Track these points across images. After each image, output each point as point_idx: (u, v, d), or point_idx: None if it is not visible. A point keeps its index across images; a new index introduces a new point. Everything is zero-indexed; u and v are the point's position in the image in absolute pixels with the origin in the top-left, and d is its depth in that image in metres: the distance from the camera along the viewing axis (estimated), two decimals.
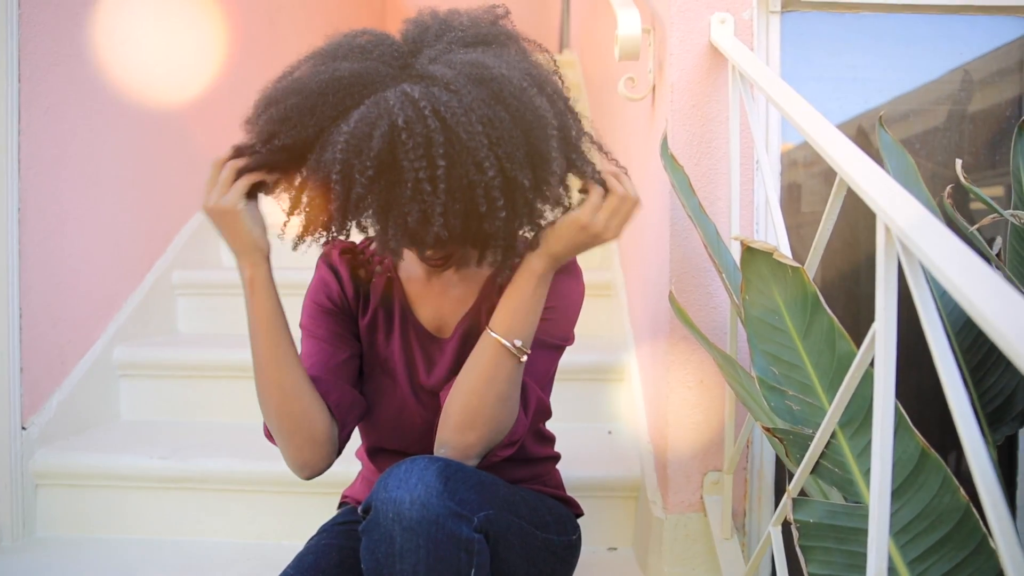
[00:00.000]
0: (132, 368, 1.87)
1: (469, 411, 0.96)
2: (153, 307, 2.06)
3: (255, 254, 0.95)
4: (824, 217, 0.92)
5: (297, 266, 1.42)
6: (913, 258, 0.69)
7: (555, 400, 1.21)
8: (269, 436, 1.04)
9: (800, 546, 0.89)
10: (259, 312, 0.96)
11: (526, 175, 0.85)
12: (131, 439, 1.71)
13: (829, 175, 1.46)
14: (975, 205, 1.50)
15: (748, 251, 0.92)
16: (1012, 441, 1.44)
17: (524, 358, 0.97)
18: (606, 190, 0.93)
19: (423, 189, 0.81)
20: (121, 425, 1.83)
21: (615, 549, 1.52)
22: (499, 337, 0.95)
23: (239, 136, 0.96)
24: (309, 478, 1.02)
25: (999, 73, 1.43)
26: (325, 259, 1.11)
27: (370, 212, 0.85)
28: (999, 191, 1.52)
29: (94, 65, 1.83)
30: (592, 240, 0.95)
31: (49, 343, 1.69)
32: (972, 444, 0.61)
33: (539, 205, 0.91)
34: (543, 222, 0.94)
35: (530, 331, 0.97)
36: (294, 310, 1.06)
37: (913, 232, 0.67)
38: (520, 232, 0.93)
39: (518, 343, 0.96)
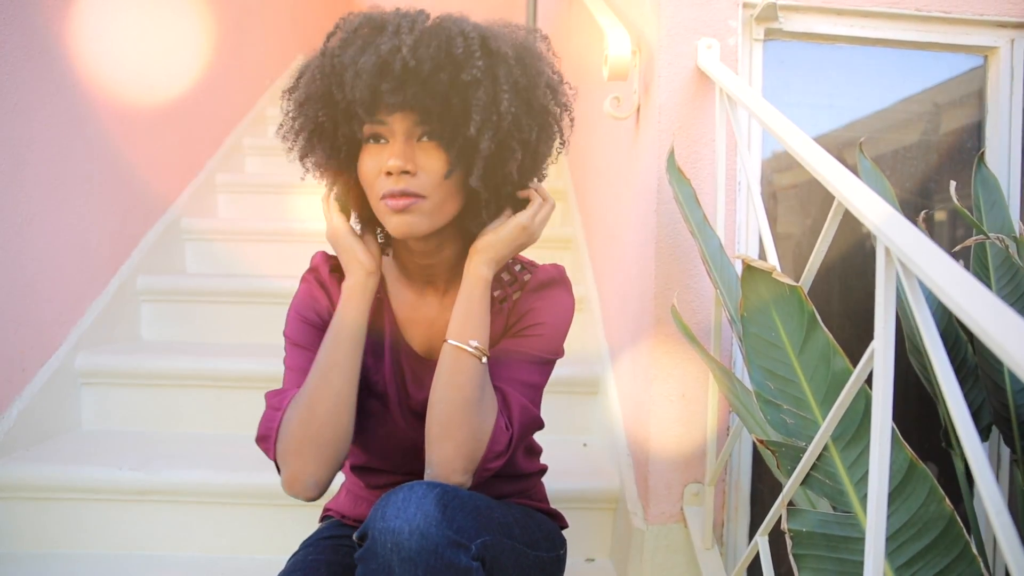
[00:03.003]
0: (95, 376, 1.81)
1: (441, 420, 0.96)
2: (117, 313, 2.00)
3: (356, 267, 1.01)
4: (820, 238, 0.96)
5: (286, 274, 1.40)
6: (913, 278, 0.73)
7: None
8: (264, 444, 1.00)
9: (793, 554, 0.92)
10: (346, 318, 0.99)
11: (528, 130, 0.97)
12: (94, 449, 1.65)
13: (800, 194, 1.52)
14: (934, 231, 1.58)
15: (748, 269, 0.95)
16: None
17: (484, 359, 0.98)
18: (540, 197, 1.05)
19: (401, 29, 0.91)
20: (83, 435, 1.77)
21: (593, 560, 1.54)
22: (453, 341, 0.98)
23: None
24: (311, 498, 0.97)
25: (960, 103, 1.51)
26: (314, 275, 1.09)
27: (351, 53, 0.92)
28: (943, 216, 1.61)
29: (64, 63, 1.79)
30: (527, 241, 1.04)
31: (9, 349, 1.63)
32: (975, 454, 0.65)
33: (514, 175, 0.99)
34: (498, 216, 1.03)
35: (482, 333, 0.99)
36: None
37: (914, 254, 0.71)
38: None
39: (473, 343, 0.97)
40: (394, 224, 0.95)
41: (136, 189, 2.14)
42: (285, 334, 1.08)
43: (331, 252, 1.12)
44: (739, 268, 1.23)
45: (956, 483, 1.33)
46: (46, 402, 1.71)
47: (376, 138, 0.96)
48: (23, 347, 1.67)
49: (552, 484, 1.49)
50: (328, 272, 1.09)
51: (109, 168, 2.00)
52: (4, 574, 1.43)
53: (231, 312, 2.12)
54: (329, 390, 0.97)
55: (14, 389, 1.65)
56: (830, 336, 0.93)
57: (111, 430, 1.82)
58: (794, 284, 0.94)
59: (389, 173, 0.92)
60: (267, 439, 1.00)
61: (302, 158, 1.03)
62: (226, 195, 2.64)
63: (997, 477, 1.50)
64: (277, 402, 1.01)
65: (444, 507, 0.86)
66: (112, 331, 1.97)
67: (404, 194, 0.93)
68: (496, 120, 0.93)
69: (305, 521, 1.48)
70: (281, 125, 1.03)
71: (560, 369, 1.80)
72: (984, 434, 1.33)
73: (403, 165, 0.92)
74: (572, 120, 1.05)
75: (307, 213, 2.51)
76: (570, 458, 1.69)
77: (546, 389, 1.75)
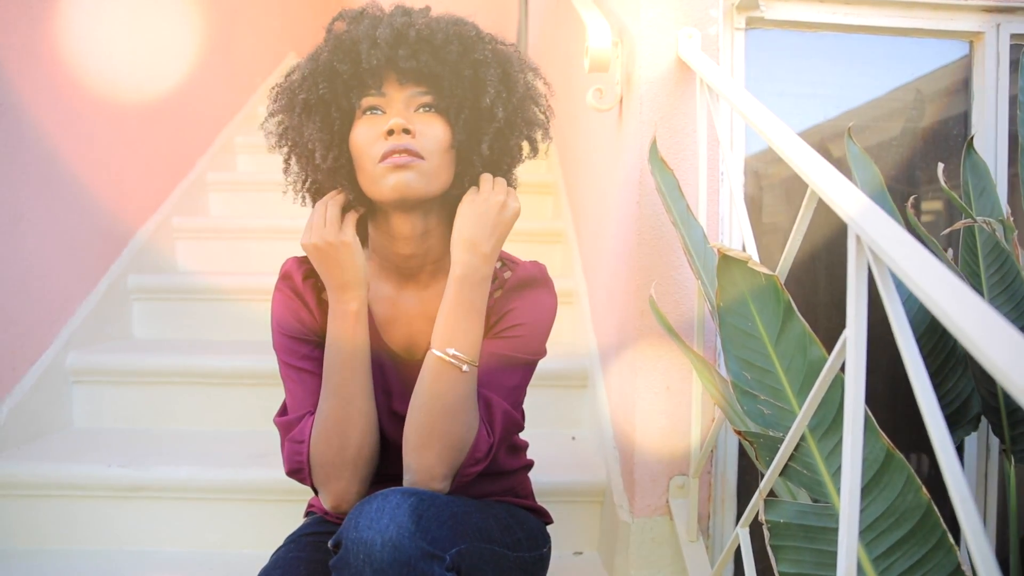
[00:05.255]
0: (86, 374, 1.82)
1: (421, 429, 0.96)
2: (108, 312, 2.00)
3: (361, 287, 0.99)
4: (795, 227, 0.95)
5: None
6: (884, 267, 0.72)
7: None
8: (298, 476, 1.01)
9: (771, 545, 0.91)
10: (360, 344, 0.98)
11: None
12: (86, 447, 1.66)
13: (788, 186, 1.51)
14: (925, 218, 1.57)
15: (724, 259, 0.94)
16: (959, 446, 1.50)
17: (466, 367, 0.97)
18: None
19: (410, 11, 0.99)
20: (74, 433, 1.77)
21: (580, 553, 1.54)
22: (435, 350, 0.97)
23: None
24: (346, 511, 0.98)
25: (946, 92, 1.50)
26: (287, 283, 1.07)
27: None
28: (939, 205, 1.60)
29: (51, 62, 1.79)
30: (498, 209, 1.00)
31: (0, 348, 1.63)
32: (942, 444, 0.64)
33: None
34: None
35: (464, 339, 0.97)
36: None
37: (884, 243, 0.71)
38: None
39: (451, 351, 0.96)
40: (392, 183, 0.96)
41: (126, 188, 2.15)
42: (276, 352, 1.06)
43: (302, 255, 1.10)
44: None
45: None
46: (37, 400, 1.71)
47: (373, 110, 0.99)
48: (13, 346, 1.68)
49: (540, 478, 1.49)
50: (302, 279, 1.07)
51: (99, 167, 2.00)
52: None
53: (224, 309, 2.12)
54: (358, 415, 0.98)
55: (4, 388, 1.65)
56: (806, 325, 0.93)
57: (103, 428, 1.82)
58: (770, 273, 0.94)
59: (391, 132, 0.95)
60: (300, 472, 1.00)
61: (285, 136, 1.05)
62: (217, 193, 2.64)
63: (987, 468, 1.49)
64: (298, 434, 1.00)
65: (418, 518, 0.85)
66: (103, 330, 1.98)
67: (406, 151, 0.96)
68: (507, 96, 1.01)
69: (293, 515, 1.48)
70: (272, 106, 1.05)
71: (550, 363, 1.81)
72: (973, 424, 1.32)
73: (405, 124, 0.96)
74: (548, 133, 1.12)
75: (299, 210, 2.51)
76: (559, 452, 1.68)
77: (535, 382, 1.75)
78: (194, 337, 2.12)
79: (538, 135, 1.09)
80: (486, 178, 1.03)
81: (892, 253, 0.69)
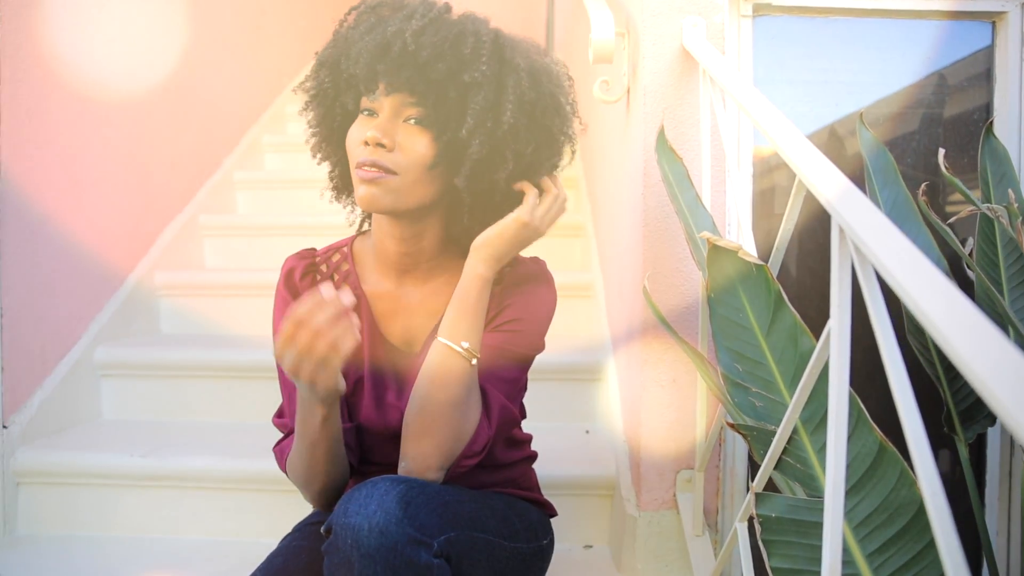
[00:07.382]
0: (114, 368, 1.88)
1: (423, 417, 0.97)
2: (135, 308, 2.06)
3: (337, 399, 0.94)
4: (785, 217, 0.93)
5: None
6: (865, 260, 0.70)
7: (533, 400, 1.21)
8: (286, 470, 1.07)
9: (763, 540, 0.90)
10: (328, 435, 0.95)
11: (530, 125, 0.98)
12: (112, 438, 1.71)
13: None
14: (954, 208, 1.52)
15: (713, 249, 0.93)
16: (981, 440, 1.46)
17: (474, 361, 0.98)
18: (540, 190, 1.04)
19: (415, 14, 0.94)
20: (103, 424, 1.83)
21: (591, 547, 1.53)
22: (445, 341, 0.97)
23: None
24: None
25: (968, 80, 1.45)
26: (286, 283, 1.08)
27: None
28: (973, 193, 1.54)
29: (79, 66, 1.84)
30: (532, 235, 1.02)
31: (30, 342, 1.70)
32: (917, 442, 0.62)
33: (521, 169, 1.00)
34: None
35: (477, 332, 0.99)
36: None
37: (865, 234, 0.69)
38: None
39: (465, 344, 0.97)
40: (360, 194, 0.97)
41: (153, 187, 2.20)
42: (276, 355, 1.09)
43: (304, 249, 1.13)
44: None
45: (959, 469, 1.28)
46: (66, 393, 1.77)
47: (369, 112, 0.99)
48: (43, 341, 1.74)
49: (552, 471, 1.50)
50: (299, 278, 1.08)
51: (126, 168, 2.06)
52: (23, 555, 1.50)
53: (250, 305, 2.16)
54: (322, 476, 1.00)
55: (35, 381, 1.71)
56: (797, 316, 0.91)
57: (130, 420, 1.88)
58: (760, 263, 0.92)
59: (367, 143, 0.95)
60: (287, 474, 1.06)
61: (306, 112, 1.07)
62: (245, 192, 2.69)
63: (1011, 464, 1.44)
64: (279, 449, 1.06)
65: (406, 504, 0.86)
66: (131, 325, 2.04)
67: (375, 165, 0.95)
68: (491, 127, 0.95)
69: (305, 505, 1.50)
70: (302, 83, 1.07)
71: (566, 356, 1.81)
72: (989, 420, 1.28)
73: (380, 137, 0.94)
74: (574, 152, 1.09)
75: (326, 207, 2.54)
76: (572, 445, 1.68)
77: (552, 375, 1.76)
78: (220, 332, 2.17)
79: (554, 152, 1.05)
80: (531, 192, 1.02)
81: (875, 248, 0.67)
